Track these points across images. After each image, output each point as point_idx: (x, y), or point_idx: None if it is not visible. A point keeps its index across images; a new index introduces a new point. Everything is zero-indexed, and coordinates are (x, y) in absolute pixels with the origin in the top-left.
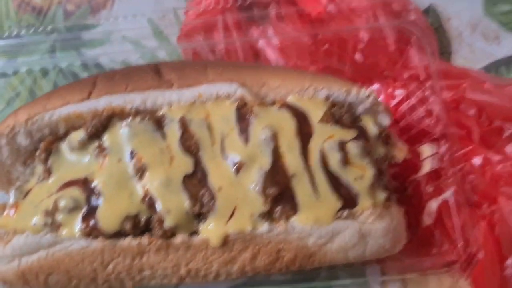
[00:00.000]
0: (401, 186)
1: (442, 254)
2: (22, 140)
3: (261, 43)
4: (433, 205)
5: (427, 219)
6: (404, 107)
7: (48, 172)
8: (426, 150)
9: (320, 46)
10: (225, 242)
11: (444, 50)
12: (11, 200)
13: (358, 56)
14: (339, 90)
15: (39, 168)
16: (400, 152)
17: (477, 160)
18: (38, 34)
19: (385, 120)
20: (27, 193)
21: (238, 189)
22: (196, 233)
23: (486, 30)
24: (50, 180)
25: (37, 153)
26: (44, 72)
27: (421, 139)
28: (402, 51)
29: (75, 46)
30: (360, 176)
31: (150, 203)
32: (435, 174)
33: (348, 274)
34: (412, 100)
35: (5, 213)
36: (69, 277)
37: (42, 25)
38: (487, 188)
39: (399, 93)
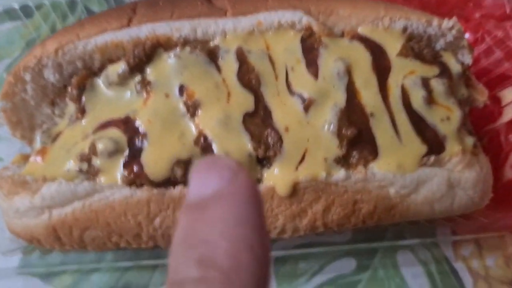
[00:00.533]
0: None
1: None
2: (50, 75)
3: None
4: None
5: (509, 172)
6: (478, 50)
7: (82, 112)
8: (508, 95)
9: None
10: (295, 191)
11: None
12: (38, 144)
13: None
14: (418, 20)
15: (71, 108)
16: (482, 95)
17: None
18: None
19: (467, 58)
20: (56, 136)
21: (309, 130)
22: (259, 181)
23: None
24: (84, 121)
25: (69, 90)
26: (63, 15)
27: (499, 84)
28: None
29: None
30: (446, 117)
31: (204, 145)
32: None
33: (416, 234)
34: (488, 42)
35: (31, 159)
36: (108, 232)
37: None
38: None
39: (471, 34)
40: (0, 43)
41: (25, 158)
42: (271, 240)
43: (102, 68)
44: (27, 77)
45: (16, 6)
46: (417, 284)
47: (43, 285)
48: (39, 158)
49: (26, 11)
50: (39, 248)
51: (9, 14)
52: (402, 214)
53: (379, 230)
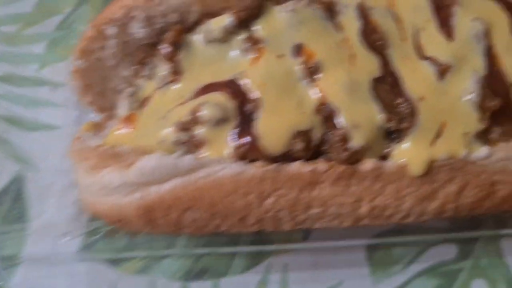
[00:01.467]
0: None
1: None
2: (138, 30)
3: None
4: None
5: None
6: None
7: (177, 73)
8: None
9: None
10: (429, 170)
11: None
12: (123, 111)
13: None
14: None
15: (163, 68)
16: None
17: None
18: None
19: None
20: (143, 102)
21: (446, 100)
22: (386, 158)
23: None
24: (181, 84)
25: (161, 47)
26: None
27: None
28: None
29: None
30: None
31: (327, 114)
32: None
33: None
34: None
35: (116, 127)
36: (212, 214)
37: None
38: None
39: None
40: None
41: (97, 126)
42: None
43: (197, 23)
44: (111, 31)
45: None
46: None
47: (111, 269)
48: (126, 127)
49: None
50: (108, 230)
51: None
52: None
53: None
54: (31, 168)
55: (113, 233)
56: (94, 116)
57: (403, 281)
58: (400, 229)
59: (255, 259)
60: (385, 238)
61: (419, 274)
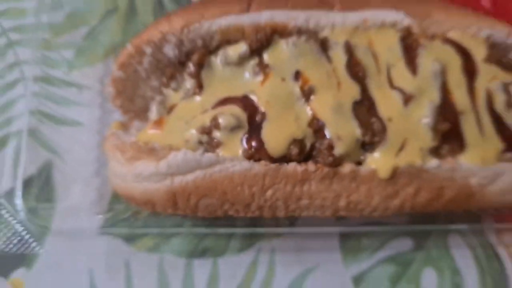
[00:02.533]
0: None
1: None
2: (170, 51)
3: None
4: None
5: None
6: None
7: (200, 87)
8: None
9: None
10: (393, 175)
11: None
12: (154, 114)
13: (484, 3)
14: (501, 31)
15: (188, 83)
16: None
17: None
18: None
19: None
20: (170, 109)
21: (408, 122)
22: (361, 163)
23: None
24: (202, 97)
25: (189, 65)
26: None
27: None
28: None
29: None
30: None
31: (317, 127)
32: None
33: (465, 220)
34: None
35: (147, 127)
36: (223, 201)
37: None
38: None
39: None
40: (80, 11)
41: (123, 126)
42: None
43: (218, 48)
44: (148, 50)
45: None
46: (465, 264)
47: (126, 246)
48: (156, 128)
49: None
50: (134, 211)
51: None
52: (478, 202)
53: (433, 215)
54: (59, 157)
55: (137, 214)
56: (118, 117)
57: (368, 266)
58: (368, 223)
59: (248, 243)
60: (355, 227)
61: (381, 261)
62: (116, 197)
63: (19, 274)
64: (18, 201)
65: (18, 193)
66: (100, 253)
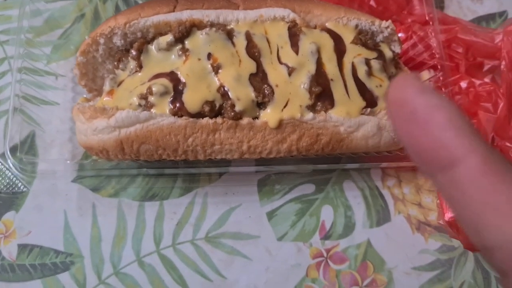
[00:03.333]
0: None
1: None
2: (118, 41)
3: None
4: None
5: None
6: (407, 44)
7: (140, 67)
8: (424, 74)
9: None
10: (280, 125)
11: (438, 5)
12: (107, 87)
13: (372, 3)
14: (365, 20)
15: (132, 64)
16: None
17: (463, 84)
18: None
19: (397, 48)
20: (119, 83)
21: (291, 87)
22: (257, 118)
23: None
24: (141, 73)
25: (131, 51)
26: None
27: (420, 67)
28: (408, 0)
29: None
30: (379, 84)
31: (223, 92)
32: None
33: (357, 169)
34: (414, 39)
35: (102, 97)
36: (157, 146)
37: None
38: (470, 105)
39: (404, 33)
40: (55, 17)
41: (88, 100)
42: (260, 159)
43: (153, 38)
44: (101, 41)
45: None
46: (355, 202)
47: (92, 194)
48: (108, 96)
49: None
50: (99, 159)
51: None
52: (347, 146)
53: (332, 166)
54: (40, 129)
55: (96, 161)
56: (86, 95)
57: (279, 205)
58: (279, 172)
59: (186, 189)
60: (271, 173)
61: (290, 201)
62: (84, 158)
63: (9, 216)
64: (7, 154)
65: (7, 150)
66: (72, 199)
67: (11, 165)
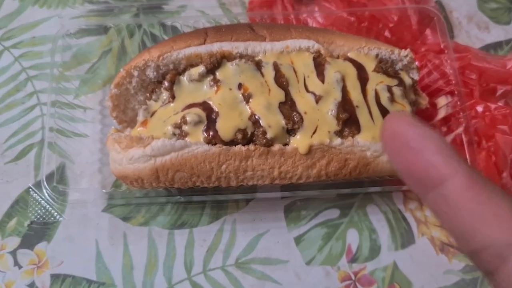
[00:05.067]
0: None
1: None
2: (151, 73)
3: (309, 20)
4: (448, 139)
5: None
6: (423, 72)
7: (172, 97)
8: (442, 100)
9: (360, 23)
10: (309, 151)
11: (448, 35)
12: (140, 118)
13: (387, 33)
14: (385, 50)
15: (164, 94)
16: (424, 100)
17: (479, 108)
18: (124, 1)
19: (416, 76)
20: (152, 113)
21: (319, 114)
22: (288, 144)
23: (479, 21)
24: (174, 104)
25: (164, 82)
26: (131, 33)
27: (436, 94)
28: (421, 31)
29: (156, 14)
30: (402, 109)
31: (255, 120)
32: (446, 120)
33: (379, 195)
34: (429, 67)
35: (136, 127)
36: (191, 174)
37: None
38: (487, 128)
39: (418, 62)
40: (82, 52)
41: (118, 131)
42: (291, 184)
43: (185, 69)
44: (135, 73)
45: (95, 26)
46: (380, 225)
47: (123, 223)
48: (142, 126)
49: (103, 30)
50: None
51: (89, 31)
52: (374, 169)
53: (355, 191)
54: (70, 160)
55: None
56: (114, 127)
57: (306, 230)
58: (305, 198)
59: (215, 216)
60: (297, 199)
61: (316, 226)
62: (114, 187)
63: (41, 246)
64: (44, 184)
65: (43, 180)
66: (103, 228)
67: (46, 194)
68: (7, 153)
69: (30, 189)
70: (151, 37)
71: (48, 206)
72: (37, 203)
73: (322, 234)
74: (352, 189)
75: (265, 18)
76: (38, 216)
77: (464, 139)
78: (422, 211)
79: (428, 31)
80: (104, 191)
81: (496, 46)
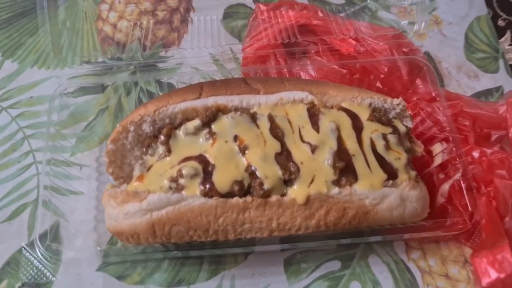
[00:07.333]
0: None
1: (453, 225)
2: (147, 127)
3: (302, 74)
4: (445, 186)
5: (441, 199)
6: (416, 120)
7: (168, 151)
8: (437, 147)
9: (352, 75)
10: (307, 201)
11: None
12: (136, 172)
13: (378, 84)
14: (378, 99)
15: (160, 149)
16: (419, 148)
17: (475, 154)
18: (121, 60)
19: (409, 123)
20: (149, 168)
21: (315, 163)
22: (285, 195)
23: (468, 71)
24: (170, 157)
25: (160, 137)
26: (128, 91)
27: (430, 141)
28: (412, 81)
29: (152, 71)
30: (398, 157)
31: (251, 172)
32: (443, 166)
33: (381, 245)
34: (422, 115)
35: (132, 182)
36: (188, 227)
37: (124, 55)
38: (485, 173)
39: (411, 110)
40: (79, 111)
41: (115, 187)
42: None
43: (180, 124)
44: (131, 128)
45: (92, 84)
46: (383, 277)
47: (118, 282)
48: (138, 181)
49: (100, 88)
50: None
51: (86, 90)
52: (373, 218)
53: (355, 240)
54: (64, 219)
55: (128, 251)
56: (112, 183)
57: (307, 283)
58: (304, 251)
59: (213, 273)
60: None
61: (317, 279)
62: (110, 244)
63: None
64: (37, 243)
65: (37, 239)
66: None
67: (39, 253)
68: (0, 213)
69: (23, 249)
70: (147, 94)
71: (40, 265)
72: (30, 263)
73: (324, 287)
74: (353, 239)
75: (258, 72)
76: (30, 277)
77: (463, 185)
78: (425, 261)
79: (418, 81)
80: (99, 248)
81: (487, 93)
